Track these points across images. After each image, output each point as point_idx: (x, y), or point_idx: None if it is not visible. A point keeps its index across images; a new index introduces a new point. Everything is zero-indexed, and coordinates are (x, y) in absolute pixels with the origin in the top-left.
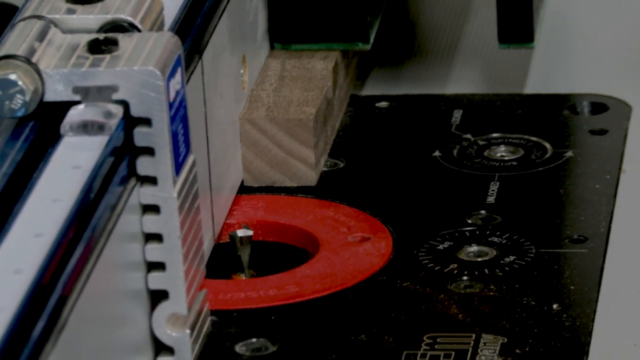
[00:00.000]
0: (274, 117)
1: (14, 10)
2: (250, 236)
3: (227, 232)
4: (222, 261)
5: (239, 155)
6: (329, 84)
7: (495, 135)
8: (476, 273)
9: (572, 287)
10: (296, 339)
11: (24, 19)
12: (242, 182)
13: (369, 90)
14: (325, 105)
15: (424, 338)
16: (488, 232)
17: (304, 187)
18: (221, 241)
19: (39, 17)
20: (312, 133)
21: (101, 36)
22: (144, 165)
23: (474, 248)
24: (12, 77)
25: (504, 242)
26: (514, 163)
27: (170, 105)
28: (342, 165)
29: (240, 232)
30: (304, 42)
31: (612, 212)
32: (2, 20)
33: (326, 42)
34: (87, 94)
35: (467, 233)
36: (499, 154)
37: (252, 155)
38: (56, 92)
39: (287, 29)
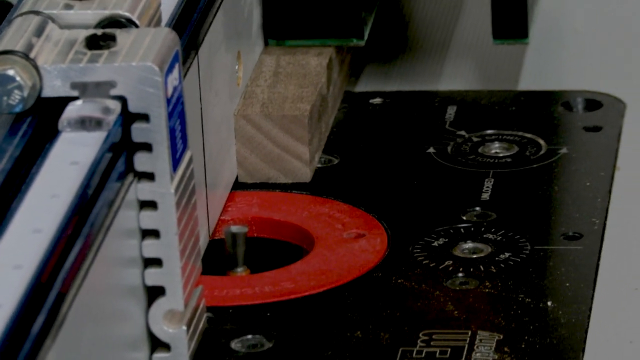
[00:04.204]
0: (268, 113)
1: (8, 7)
2: (245, 233)
3: (221, 228)
4: (217, 257)
5: (233, 152)
6: (323, 80)
7: (489, 131)
8: (471, 270)
9: (567, 284)
10: (292, 336)
11: (22, 15)
12: (237, 178)
13: (362, 86)
14: (320, 102)
15: (420, 335)
16: (483, 229)
17: (299, 184)
18: (216, 237)
19: (37, 13)
20: (307, 129)
21: (99, 32)
22: (141, 161)
23: (469, 245)
24: (10, 72)
25: (498, 238)
26: (509, 160)
27: (168, 101)
28: (336, 161)
29: (235, 229)
30: (298, 38)
31: (607, 209)
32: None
33: (320, 38)
34: (85, 89)
35: (462, 230)
36: (493, 151)
37: (247, 151)
38: (54, 87)
39: (282, 25)
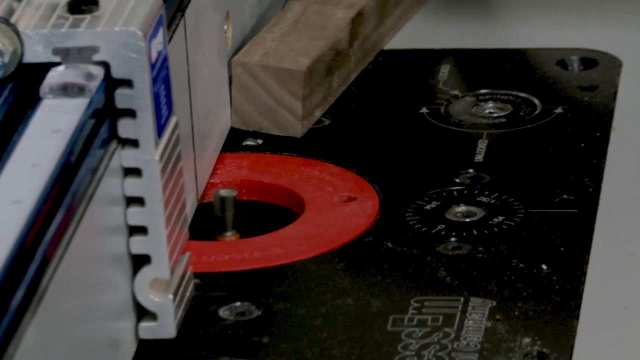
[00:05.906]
0: (266, 64)
1: None
2: (234, 196)
3: (210, 191)
4: (206, 221)
5: (224, 113)
6: (341, 35)
7: (483, 91)
8: (464, 234)
9: (562, 249)
10: (281, 303)
11: None
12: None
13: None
14: (331, 57)
15: (412, 302)
16: (476, 192)
17: (289, 142)
18: (205, 201)
19: None
20: (302, 85)
21: None
22: (125, 128)
23: (462, 208)
24: None
25: (492, 202)
26: (503, 120)
27: (152, 66)
28: (327, 122)
29: (224, 192)
30: None
31: (602, 171)
32: None
33: None
34: (67, 55)
35: (455, 193)
36: (487, 111)
37: (242, 98)
38: (35, 53)
39: None
